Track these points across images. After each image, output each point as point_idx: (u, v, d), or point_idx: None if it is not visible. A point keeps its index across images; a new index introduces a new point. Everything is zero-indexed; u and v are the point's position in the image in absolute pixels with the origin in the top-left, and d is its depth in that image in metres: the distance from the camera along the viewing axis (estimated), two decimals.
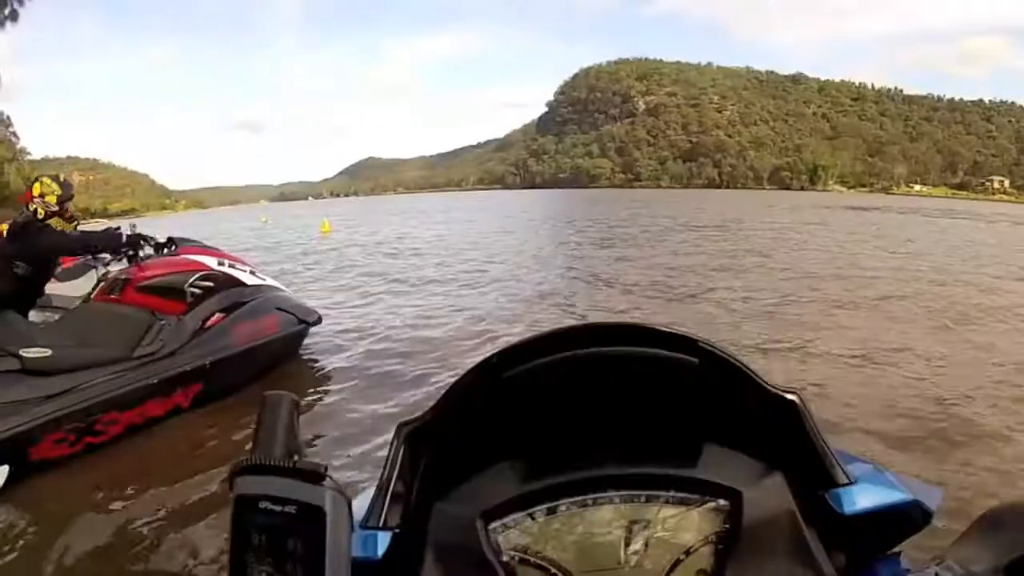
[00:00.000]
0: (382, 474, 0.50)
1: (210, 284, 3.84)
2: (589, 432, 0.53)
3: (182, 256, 3.98)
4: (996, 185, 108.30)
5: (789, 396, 0.52)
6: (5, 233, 3.61)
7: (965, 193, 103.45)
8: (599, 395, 0.52)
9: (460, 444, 0.53)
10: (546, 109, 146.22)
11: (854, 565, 0.53)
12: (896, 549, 0.55)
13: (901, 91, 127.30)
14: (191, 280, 3.77)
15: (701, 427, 0.54)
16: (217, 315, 3.79)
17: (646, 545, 0.52)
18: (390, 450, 0.51)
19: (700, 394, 0.53)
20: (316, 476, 0.36)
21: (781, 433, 0.53)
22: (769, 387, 0.52)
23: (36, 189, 3.52)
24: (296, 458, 0.38)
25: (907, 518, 0.54)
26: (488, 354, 0.51)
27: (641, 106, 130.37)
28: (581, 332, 0.50)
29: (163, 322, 3.54)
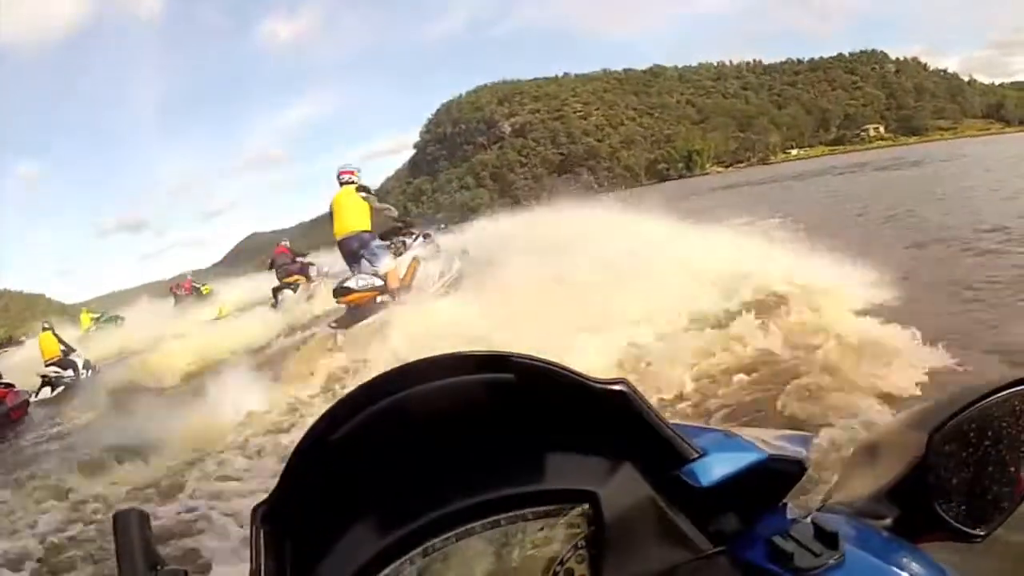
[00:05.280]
0: (250, 565, 0.48)
1: None
2: (433, 471, 0.53)
3: None
4: (872, 133, 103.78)
5: (616, 387, 0.52)
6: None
7: (843, 147, 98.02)
8: (431, 432, 0.52)
9: (317, 513, 0.52)
10: (415, 151, 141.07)
11: (737, 529, 0.53)
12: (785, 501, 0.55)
13: (760, 62, 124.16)
14: None
15: (541, 439, 0.54)
16: None
17: (518, 567, 0.52)
18: (251, 537, 0.49)
19: (530, 408, 0.52)
20: None
21: (620, 425, 0.53)
22: (594, 384, 0.52)
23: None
24: (159, 568, 0.39)
25: (775, 473, 0.54)
26: (316, 419, 0.51)
27: (507, 129, 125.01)
28: (396, 376, 0.50)
29: None
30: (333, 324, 6.33)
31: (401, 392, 0.49)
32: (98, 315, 19.86)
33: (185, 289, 19.10)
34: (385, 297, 6.12)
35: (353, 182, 6.52)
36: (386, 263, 6.25)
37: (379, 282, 6.10)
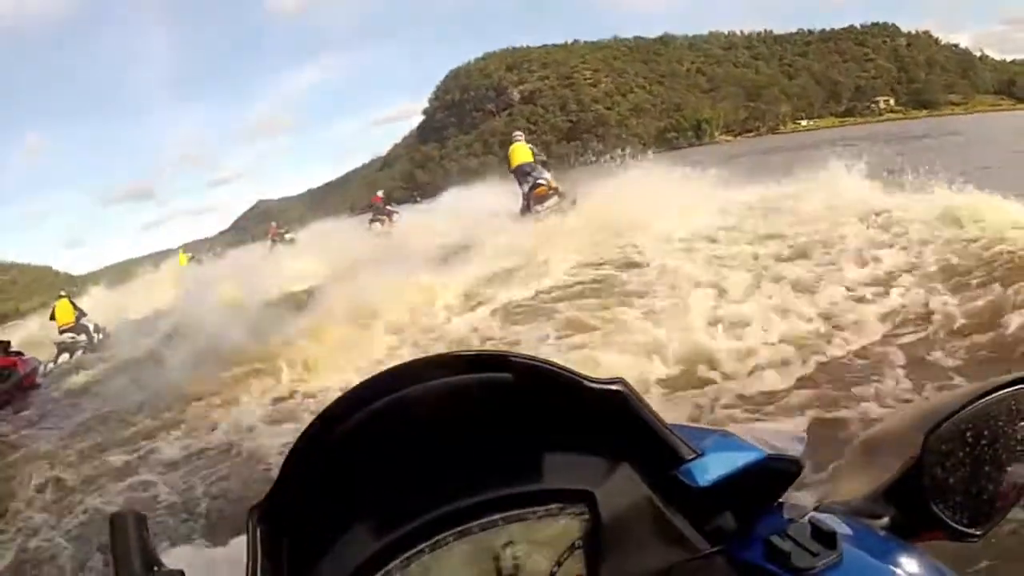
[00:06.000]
0: (246, 565, 0.47)
1: None
2: (430, 470, 0.52)
3: None
4: (883, 105, 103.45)
5: (614, 387, 0.52)
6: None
7: (853, 119, 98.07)
8: (428, 431, 0.52)
9: (314, 512, 0.52)
10: (423, 117, 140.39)
11: (734, 529, 0.53)
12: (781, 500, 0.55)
13: (771, 32, 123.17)
14: None
15: (538, 439, 0.54)
16: None
17: (516, 567, 0.51)
18: (248, 538, 0.49)
19: (527, 407, 0.52)
20: None
21: (617, 425, 0.53)
22: (591, 384, 0.52)
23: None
24: (156, 569, 0.40)
25: (772, 472, 0.53)
26: (313, 418, 0.51)
27: (516, 96, 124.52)
28: (393, 375, 0.50)
29: None
30: (535, 205, 11.29)
31: (398, 391, 0.49)
32: (190, 255, 24.15)
33: (272, 235, 23.40)
34: (550, 192, 11.39)
35: (521, 139, 12.09)
36: (547, 176, 11.50)
37: (546, 184, 11.38)
